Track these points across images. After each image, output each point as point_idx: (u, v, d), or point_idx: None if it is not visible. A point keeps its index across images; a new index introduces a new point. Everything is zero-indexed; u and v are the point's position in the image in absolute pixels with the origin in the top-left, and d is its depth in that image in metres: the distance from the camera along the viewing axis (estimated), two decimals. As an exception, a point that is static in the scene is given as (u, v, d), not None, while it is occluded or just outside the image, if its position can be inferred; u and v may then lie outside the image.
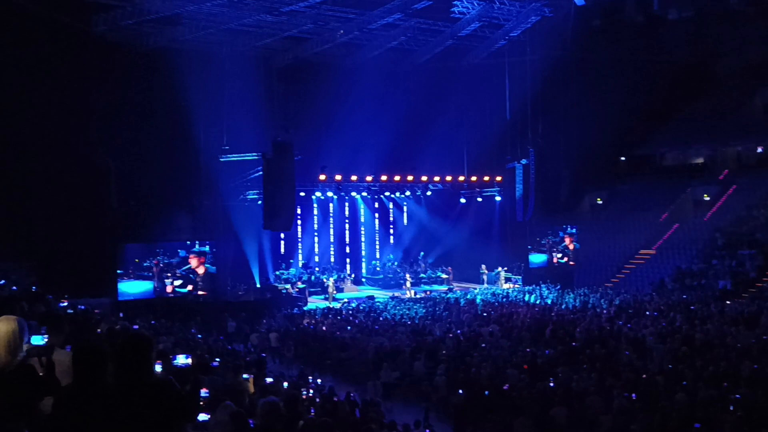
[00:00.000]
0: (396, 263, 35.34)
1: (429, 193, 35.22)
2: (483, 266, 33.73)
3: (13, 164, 23.48)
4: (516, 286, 31.15)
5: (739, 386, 12.88)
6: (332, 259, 34.63)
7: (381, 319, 22.92)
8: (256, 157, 28.04)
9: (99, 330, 10.42)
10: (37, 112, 24.15)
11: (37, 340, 4.10)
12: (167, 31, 27.92)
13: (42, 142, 24.54)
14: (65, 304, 13.39)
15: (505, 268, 32.90)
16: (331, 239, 34.99)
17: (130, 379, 3.50)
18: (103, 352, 3.72)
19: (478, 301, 26.73)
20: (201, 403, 4.66)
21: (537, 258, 33.67)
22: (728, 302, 24.05)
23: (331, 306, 26.73)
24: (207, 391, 6.07)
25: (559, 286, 29.55)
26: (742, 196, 34.62)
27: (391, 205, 37.02)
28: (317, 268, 33.45)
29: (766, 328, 18.51)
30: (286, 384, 12.04)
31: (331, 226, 35.04)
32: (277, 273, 31.81)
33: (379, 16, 29.32)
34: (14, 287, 14.39)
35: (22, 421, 3.62)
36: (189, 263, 26.66)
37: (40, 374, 3.85)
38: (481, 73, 33.89)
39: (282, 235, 31.94)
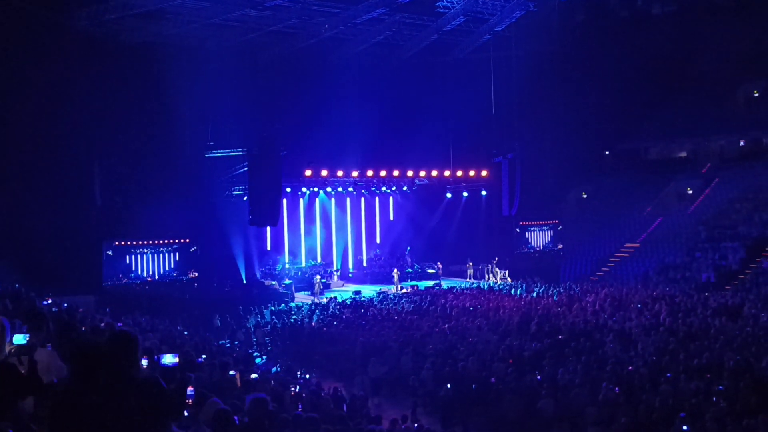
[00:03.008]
0: (382, 258, 35.35)
1: (415, 188, 35.23)
2: (469, 263, 33.78)
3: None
4: (508, 280, 31.24)
5: (723, 378, 13.04)
6: (319, 255, 34.56)
7: (368, 314, 22.92)
8: (241, 153, 27.91)
9: (83, 328, 10.34)
10: (19, 107, 23.87)
11: (19, 339, 4.07)
12: (151, 25, 27.66)
13: (24, 139, 24.28)
14: (49, 301, 13.29)
15: (496, 259, 32.98)
16: (318, 235, 34.91)
17: (116, 376, 3.48)
18: (100, 349, 3.69)
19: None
20: (188, 401, 4.64)
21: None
22: (711, 294, 24.29)
23: (318, 301, 26.69)
24: (192, 389, 6.04)
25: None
26: (724, 190, 35.00)
27: (377, 200, 37.00)
28: (304, 264, 33.38)
29: (748, 320, 18.73)
30: (272, 380, 12.04)
31: (318, 221, 34.96)
32: (263, 269, 31.70)
33: (364, 11, 29.23)
34: (-3, 285, 14.26)
35: (5, 421, 3.59)
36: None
37: (23, 373, 3.82)
38: (466, 68, 33.89)
39: (268, 231, 31.81)
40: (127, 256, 26.61)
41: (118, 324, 13.96)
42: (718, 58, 38.38)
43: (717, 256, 29.48)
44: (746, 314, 19.57)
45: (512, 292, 27.28)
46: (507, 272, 32.57)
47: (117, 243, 26.31)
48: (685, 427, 10.55)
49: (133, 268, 26.81)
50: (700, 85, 40.02)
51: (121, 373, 3.49)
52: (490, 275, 32.48)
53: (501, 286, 29.21)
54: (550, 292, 26.28)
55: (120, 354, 3.54)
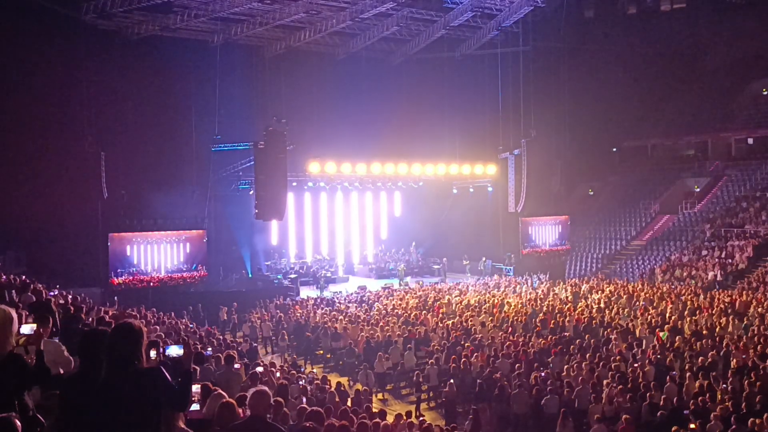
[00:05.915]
0: (388, 254, 35.33)
1: (421, 183, 35.16)
2: (465, 256, 33.54)
3: (1, 153, 23.32)
4: (507, 277, 31.20)
5: (728, 377, 12.99)
6: (324, 249, 34.57)
7: (373, 309, 22.93)
8: (248, 147, 27.89)
9: (89, 319, 10.37)
10: (27, 100, 23.93)
11: (26, 329, 4.07)
12: (158, 19, 27.67)
13: (32, 131, 24.35)
14: (55, 293, 13.33)
15: (484, 259, 32.90)
16: (323, 229, 34.91)
17: (120, 366, 3.49)
18: (104, 338, 3.69)
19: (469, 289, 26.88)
20: (193, 394, 4.64)
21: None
22: (717, 293, 24.18)
23: (323, 296, 26.70)
24: (199, 382, 6.06)
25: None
26: (732, 188, 34.83)
27: (383, 195, 36.96)
28: (309, 258, 33.39)
29: (755, 319, 18.64)
30: (278, 374, 12.06)
31: (323, 215, 34.96)
32: (269, 263, 31.69)
33: (371, 6, 29.16)
34: (3, 276, 14.31)
35: (12, 410, 3.59)
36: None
37: (29, 363, 3.83)
38: (474, 64, 33.79)
39: (274, 225, 31.80)
40: (128, 247, 25.92)
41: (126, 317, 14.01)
42: (726, 55, 38.19)
43: (724, 254, 29.36)
44: (752, 313, 19.49)
45: (517, 288, 27.23)
46: (512, 269, 32.45)
47: (115, 234, 25.53)
48: (691, 426, 10.52)
49: (136, 262, 26.29)
50: (709, 82, 39.83)
51: (123, 363, 3.49)
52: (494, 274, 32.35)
53: (505, 282, 29.12)
54: (555, 289, 26.23)
55: (123, 344, 3.54)
